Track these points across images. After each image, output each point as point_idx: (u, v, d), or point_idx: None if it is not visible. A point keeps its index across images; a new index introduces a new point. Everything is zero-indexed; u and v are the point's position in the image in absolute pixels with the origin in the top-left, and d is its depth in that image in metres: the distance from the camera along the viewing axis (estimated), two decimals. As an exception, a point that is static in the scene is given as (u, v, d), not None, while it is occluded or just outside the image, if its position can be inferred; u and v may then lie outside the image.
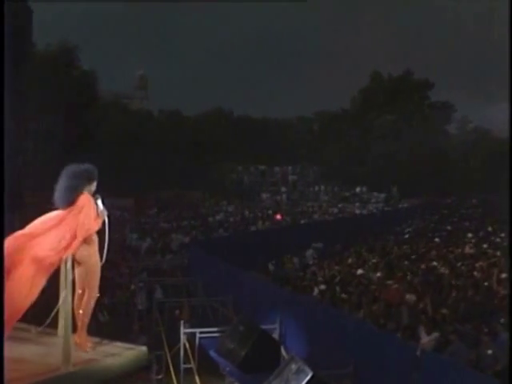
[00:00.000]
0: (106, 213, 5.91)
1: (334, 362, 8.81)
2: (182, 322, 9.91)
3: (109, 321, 17.28)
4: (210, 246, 18.96)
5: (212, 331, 9.61)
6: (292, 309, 11.01)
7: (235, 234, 29.05)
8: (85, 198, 5.66)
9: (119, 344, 6.39)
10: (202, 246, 18.83)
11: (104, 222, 5.92)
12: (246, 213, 45.62)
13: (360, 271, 17.41)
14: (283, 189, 62.84)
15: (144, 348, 6.36)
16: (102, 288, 17.00)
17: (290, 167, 66.08)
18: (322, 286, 14.41)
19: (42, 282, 5.38)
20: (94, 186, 5.87)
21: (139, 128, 58.06)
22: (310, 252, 22.53)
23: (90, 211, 5.63)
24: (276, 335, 10.48)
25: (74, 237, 5.53)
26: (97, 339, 6.47)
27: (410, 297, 13.48)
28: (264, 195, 59.92)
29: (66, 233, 5.55)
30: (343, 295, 14.38)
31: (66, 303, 5.46)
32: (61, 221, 5.63)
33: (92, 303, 5.94)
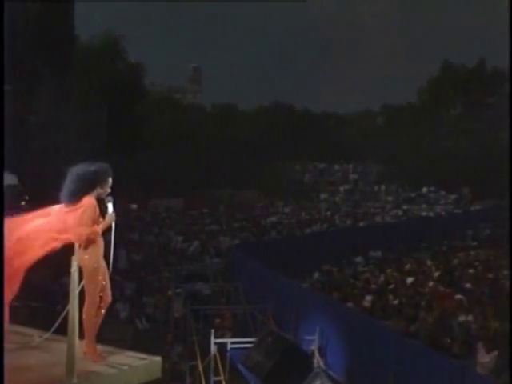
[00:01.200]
0: (113, 217, 5.94)
1: (375, 379, 8.67)
2: (212, 331, 9.90)
3: (148, 329, 17.58)
4: (255, 249, 18.98)
5: (244, 342, 9.58)
6: (333, 319, 10.89)
7: (286, 236, 28.99)
8: (86, 201, 5.71)
9: (131, 354, 6.40)
10: (246, 249, 18.86)
11: (110, 227, 5.96)
12: (303, 214, 45.50)
13: (415, 279, 17.09)
14: (343, 188, 62.37)
15: (158, 359, 6.35)
16: (140, 294, 17.21)
17: (350, 165, 65.51)
18: (369, 297, 14.18)
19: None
20: (105, 188, 5.88)
21: (191, 124, 58.73)
22: (359, 259, 22.35)
23: (84, 214, 5.65)
24: (315, 347, 10.39)
25: (64, 232, 5.61)
26: (109, 348, 6.53)
27: (470, 309, 13.13)
28: (322, 195, 59.59)
29: (56, 224, 5.65)
30: (396, 305, 14.15)
31: (71, 310, 5.46)
32: (56, 213, 5.75)
33: (92, 310, 5.92)
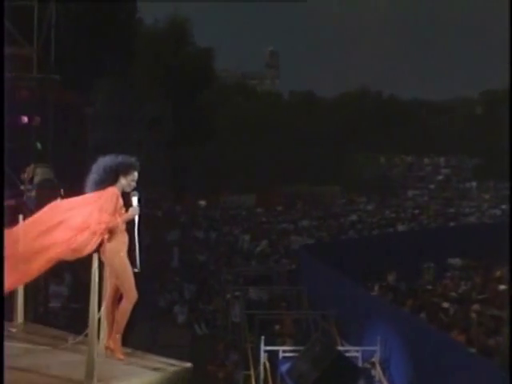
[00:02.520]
0: (137, 211, 6.20)
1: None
2: (262, 338, 10.04)
3: (207, 334, 17.93)
4: (324, 251, 19.02)
5: (297, 350, 9.68)
6: (400, 330, 10.83)
7: (362, 237, 28.83)
8: (108, 190, 6.06)
9: (162, 359, 6.62)
10: (315, 250, 18.92)
11: (133, 222, 6.21)
12: (387, 213, 45.09)
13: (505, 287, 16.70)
14: (433, 184, 61.34)
15: (188, 365, 6.54)
16: (200, 296, 17.62)
17: (442, 158, 64.25)
18: (447, 304, 13.99)
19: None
20: (129, 180, 6.17)
21: (266, 113, 59.02)
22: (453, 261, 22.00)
23: (105, 203, 6.01)
24: (376, 358, 10.39)
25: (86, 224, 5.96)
26: (139, 352, 6.75)
27: None
28: (410, 192, 58.76)
29: (90, 214, 6.01)
30: (476, 316, 13.91)
31: (91, 310, 5.71)
32: (85, 203, 6.10)
33: (130, 306, 6.27)
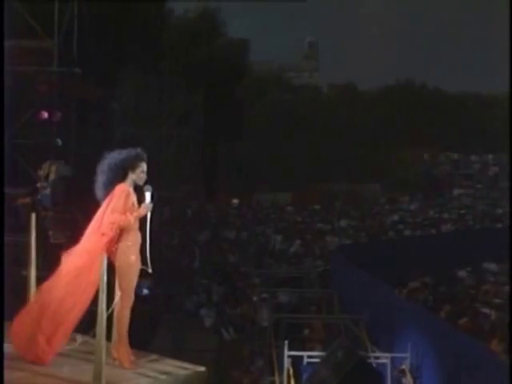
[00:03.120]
0: (150, 208, 6.26)
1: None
2: (286, 342, 10.11)
3: (235, 339, 18.02)
4: (359, 252, 19.01)
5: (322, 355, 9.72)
6: (433, 337, 10.80)
7: (399, 238, 28.72)
8: (118, 188, 6.14)
9: (175, 362, 6.73)
10: (349, 252, 18.92)
11: (146, 218, 6.27)
12: (431, 213, 44.81)
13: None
14: (481, 183, 60.62)
15: (202, 369, 6.64)
16: (228, 299, 17.75)
17: (491, 156, 63.43)
18: (487, 310, 13.88)
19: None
20: (138, 173, 6.22)
21: (303, 107, 58.99)
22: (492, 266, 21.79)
23: (116, 202, 6.10)
24: (406, 366, 10.39)
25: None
26: (154, 356, 6.86)
27: None
28: (456, 191, 58.18)
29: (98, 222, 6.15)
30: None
31: (99, 311, 5.77)
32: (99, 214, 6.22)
33: (126, 311, 6.28)
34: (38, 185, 9.56)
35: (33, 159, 13.51)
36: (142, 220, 6.35)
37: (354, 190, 53.58)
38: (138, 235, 6.33)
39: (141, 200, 6.28)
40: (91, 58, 17.21)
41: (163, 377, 6.31)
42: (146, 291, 16.28)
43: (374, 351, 12.09)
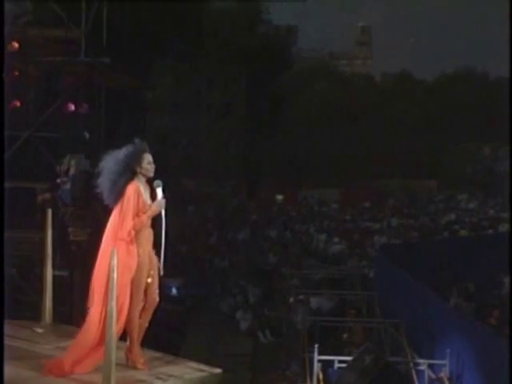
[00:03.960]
0: (163, 204, 6.39)
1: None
2: (315, 346, 10.25)
3: (272, 343, 18.23)
4: (405, 253, 18.98)
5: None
6: (476, 344, 10.80)
7: (449, 238, 28.45)
8: (129, 190, 6.24)
9: (191, 364, 6.91)
10: (394, 252, 18.90)
11: (161, 215, 6.42)
12: (491, 212, 44.18)
13: None
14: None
15: (217, 371, 6.81)
16: (265, 301, 17.96)
17: (558, 150, 62.36)
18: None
19: None
20: (145, 164, 6.31)
21: (354, 97, 58.78)
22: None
23: (127, 205, 6.19)
24: (445, 373, 10.45)
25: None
26: (169, 357, 7.07)
27: None
28: (519, 189, 57.29)
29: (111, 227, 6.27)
30: None
31: (109, 311, 5.94)
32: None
33: (135, 311, 6.42)
34: (59, 180, 9.80)
35: (59, 153, 13.82)
36: (155, 216, 6.46)
37: (407, 187, 53.26)
38: (150, 232, 6.46)
39: (152, 196, 6.39)
40: (122, 47, 17.50)
41: (177, 379, 6.49)
42: (174, 291, 16.61)
43: (413, 357, 12.16)
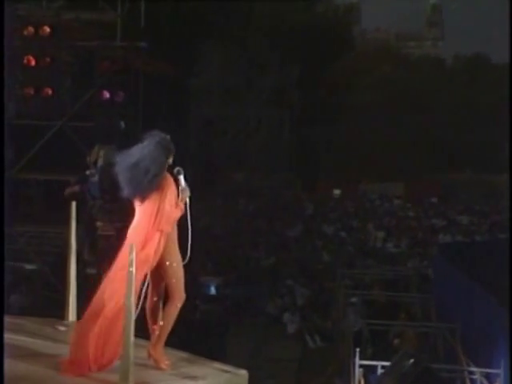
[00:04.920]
0: (188, 192, 6.63)
1: None
2: (357, 350, 10.45)
3: (321, 347, 18.42)
4: (468, 253, 18.92)
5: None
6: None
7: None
8: (169, 179, 6.51)
9: (215, 365, 7.14)
10: (455, 252, 18.89)
11: (186, 205, 6.63)
12: None
13: None
14: None
15: (243, 373, 7.05)
16: (313, 304, 18.13)
17: None
18: None
19: None
20: (171, 157, 6.57)
21: (423, 82, 58.28)
22: None
23: (171, 195, 6.48)
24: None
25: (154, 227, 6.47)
26: (193, 357, 7.33)
27: None
28: None
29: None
30: None
31: (127, 308, 6.19)
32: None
33: (176, 310, 6.71)
34: (87, 172, 10.08)
35: (93, 144, 14.17)
36: None
37: (480, 181, 52.71)
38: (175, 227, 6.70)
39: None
40: (161, 31, 17.82)
41: (201, 380, 6.64)
42: (213, 290, 16.92)
43: (468, 364, 12.26)
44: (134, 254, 6.20)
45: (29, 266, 16.83)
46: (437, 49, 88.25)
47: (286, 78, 32.72)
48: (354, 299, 17.08)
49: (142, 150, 6.44)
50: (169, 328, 6.79)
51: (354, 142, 47.76)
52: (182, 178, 6.60)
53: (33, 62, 14.14)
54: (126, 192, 6.54)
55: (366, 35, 55.49)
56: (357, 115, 44.72)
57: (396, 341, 14.64)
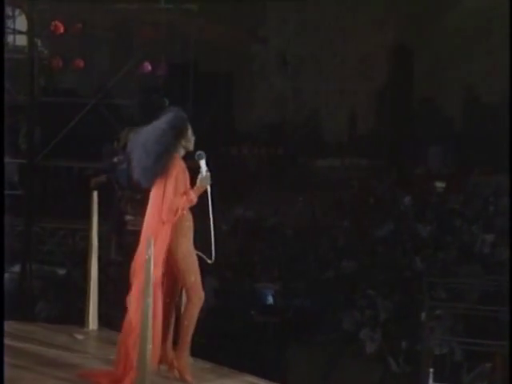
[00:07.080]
0: (209, 179, 7.11)
1: None
2: (431, 371, 10.80)
3: (407, 372, 18.58)
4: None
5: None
6: None
7: None
8: (176, 164, 7.03)
9: (247, 378, 7.75)
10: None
11: (206, 193, 7.15)
12: None
13: None
14: None
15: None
16: (398, 319, 18.50)
17: None
18: None
19: None
20: (188, 137, 7.12)
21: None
22: None
23: (177, 182, 6.96)
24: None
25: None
26: (209, 365, 7.94)
27: None
28: None
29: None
30: None
31: (145, 309, 6.76)
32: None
33: (195, 311, 7.23)
34: (115, 159, 10.52)
35: (132, 125, 14.65)
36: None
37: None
38: (191, 218, 7.21)
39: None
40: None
41: None
42: (270, 299, 17.24)
43: None
44: (151, 249, 6.75)
45: (62, 271, 17.41)
46: None
47: (376, 43, 32.20)
48: (438, 312, 17.07)
49: (152, 128, 7.01)
50: (189, 332, 7.26)
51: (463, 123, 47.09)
52: (202, 163, 7.05)
53: (61, 29, 14.40)
54: (135, 176, 7.09)
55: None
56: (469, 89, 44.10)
57: (487, 365, 14.77)
